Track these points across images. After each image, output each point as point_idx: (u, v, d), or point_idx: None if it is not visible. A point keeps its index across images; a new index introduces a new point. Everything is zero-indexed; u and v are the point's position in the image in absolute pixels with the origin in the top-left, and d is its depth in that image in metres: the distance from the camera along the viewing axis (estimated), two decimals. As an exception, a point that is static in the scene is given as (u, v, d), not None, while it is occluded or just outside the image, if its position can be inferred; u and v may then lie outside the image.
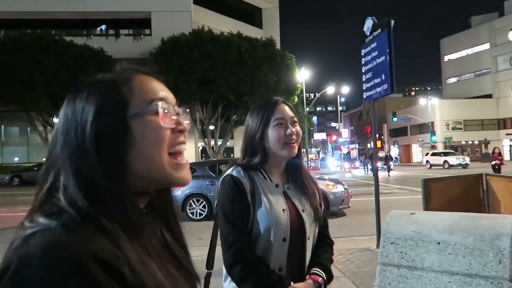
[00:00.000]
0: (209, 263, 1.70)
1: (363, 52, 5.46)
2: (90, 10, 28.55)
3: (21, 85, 22.67)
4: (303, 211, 1.47)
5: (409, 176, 23.73)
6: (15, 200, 15.10)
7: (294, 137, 1.46)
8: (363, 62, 5.50)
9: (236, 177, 1.44)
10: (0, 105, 24.34)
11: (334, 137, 56.32)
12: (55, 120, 24.66)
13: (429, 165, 34.13)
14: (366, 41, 5.31)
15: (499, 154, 17.26)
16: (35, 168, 24.55)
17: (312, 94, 41.92)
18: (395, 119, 47.48)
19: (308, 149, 33.43)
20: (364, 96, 5.61)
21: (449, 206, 2.76)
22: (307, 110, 31.65)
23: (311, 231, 1.48)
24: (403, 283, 2.43)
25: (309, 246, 1.47)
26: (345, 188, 9.46)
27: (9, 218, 9.56)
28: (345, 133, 64.49)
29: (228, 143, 29.99)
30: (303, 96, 29.16)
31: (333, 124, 77.69)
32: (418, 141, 49.10)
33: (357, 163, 37.93)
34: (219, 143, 28.34)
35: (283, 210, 1.43)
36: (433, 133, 43.48)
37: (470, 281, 2.11)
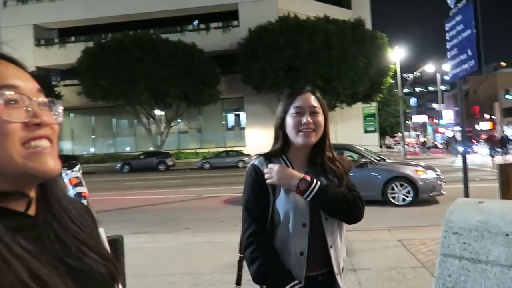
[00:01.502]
0: (241, 248, 1.78)
1: (447, 26, 4.99)
2: (182, 7, 30.32)
3: (126, 82, 25.18)
4: None
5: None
6: (124, 185, 16.93)
7: (310, 126, 1.45)
8: (448, 38, 5.03)
9: (257, 166, 1.50)
10: (110, 101, 27.32)
11: (436, 120, 52.20)
12: (156, 112, 26.47)
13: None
14: (450, 15, 4.84)
15: None
16: (141, 157, 26.77)
17: (410, 74, 39.08)
18: (509, 96, 42.34)
19: (405, 133, 31.34)
20: (450, 75, 5.14)
21: (529, 195, 2.45)
22: (404, 91, 29.75)
23: None
24: (464, 276, 2.23)
25: (326, 227, 1.45)
26: (437, 175, 8.79)
27: (117, 201, 10.79)
28: (449, 114, 59.09)
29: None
30: (398, 77, 27.48)
31: (434, 105, 71.68)
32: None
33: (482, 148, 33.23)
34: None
35: None
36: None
37: (540, 278, 1.87)
